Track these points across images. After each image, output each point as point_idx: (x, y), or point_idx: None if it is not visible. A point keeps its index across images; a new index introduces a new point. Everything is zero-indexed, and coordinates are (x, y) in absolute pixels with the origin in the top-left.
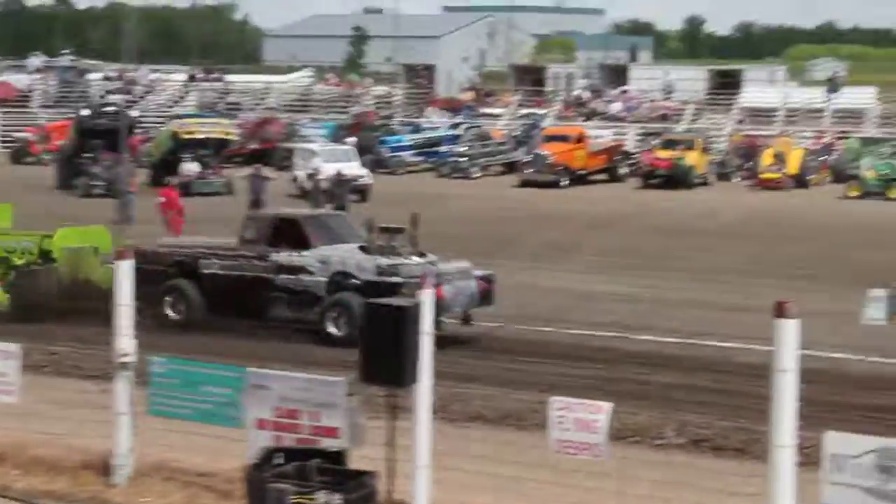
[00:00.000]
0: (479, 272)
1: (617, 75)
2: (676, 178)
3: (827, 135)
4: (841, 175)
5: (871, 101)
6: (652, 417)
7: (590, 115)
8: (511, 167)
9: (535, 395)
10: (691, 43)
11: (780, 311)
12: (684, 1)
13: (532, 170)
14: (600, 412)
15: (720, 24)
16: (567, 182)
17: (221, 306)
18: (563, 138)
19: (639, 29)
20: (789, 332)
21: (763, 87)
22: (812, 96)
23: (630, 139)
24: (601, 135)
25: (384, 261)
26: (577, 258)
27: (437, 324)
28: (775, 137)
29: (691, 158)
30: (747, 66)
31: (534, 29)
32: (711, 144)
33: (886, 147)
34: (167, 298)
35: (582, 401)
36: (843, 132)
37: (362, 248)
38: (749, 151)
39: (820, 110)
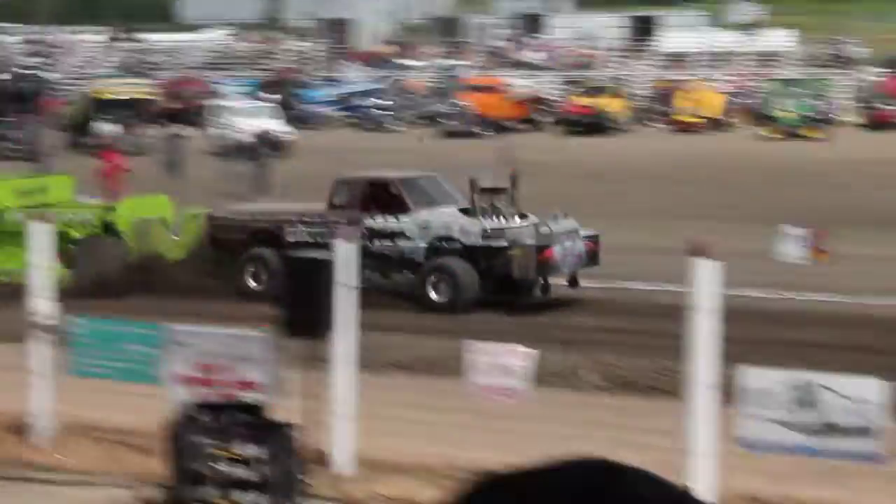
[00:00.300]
0: (585, 232)
1: (536, 24)
2: (598, 125)
3: (747, 77)
4: (760, 117)
5: (790, 44)
6: (572, 360)
7: (510, 65)
8: (433, 119)
9: (454, 342)
10: None
11: (696, 250)
12: None
13: (454, 121)
14: (520, 357)
15: None
16: (489, 132)
17: None
18: (483, 89)
19: None
20: (706, 270)
21: (682, 32)
22: (731, 40)
23: (550, 87)
24: (522, 84)
25: (490, 223)
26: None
27: (545, 287)
28: (692, 82)
29: (612, 105)
30: (666, 12)
31: None
32: (632, 91)
33: (807, 87)
34: (248, 268)
35: (502, 345)
36: (763, 74)
37: (464, 211)
38: (668, 96)
39: (740, 53)
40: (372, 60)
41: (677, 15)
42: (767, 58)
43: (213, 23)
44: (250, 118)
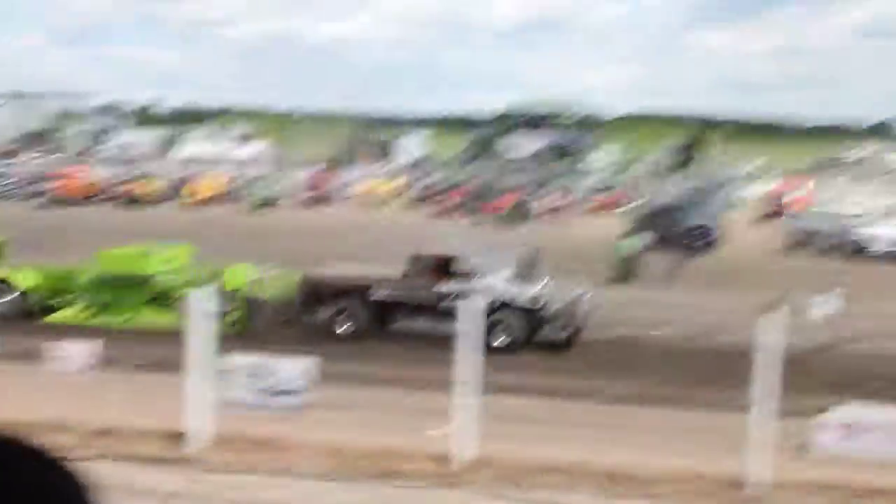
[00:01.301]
0: (587, 295)
1: (103, 136)
2: (140, 201)
3: (236, 171)
4: (242, 197)
5: (264, 151)
6: (123, 350)
7: (83, 162)
8: (34, 195)
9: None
10: (148, 116)
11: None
12: (142, 83)
13: (45, 197)
14: (86, 349)
15: (177, 100)
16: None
17: (386, 324)
18: (65, 176)
19: (109, 108)
20: (204, 299)
21: (197, 143)
22: (228, 147)
23: (111, 176)
24: (93, 174)
25: (535, 290)
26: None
27: (569, 339)
28: (203, 173)
29: (150, 187)
30: (188, 127)
31: (44, 109)
32: (165, 178)
33: (269, 179)
34: (336, 318)
35: (68, 342)
36: (248, 169)
37: (511, 279)
38: (187, 182)
39: (232, 157)
40: None
41: (196, 130)
42: (249, 160)
43: None
44: None
